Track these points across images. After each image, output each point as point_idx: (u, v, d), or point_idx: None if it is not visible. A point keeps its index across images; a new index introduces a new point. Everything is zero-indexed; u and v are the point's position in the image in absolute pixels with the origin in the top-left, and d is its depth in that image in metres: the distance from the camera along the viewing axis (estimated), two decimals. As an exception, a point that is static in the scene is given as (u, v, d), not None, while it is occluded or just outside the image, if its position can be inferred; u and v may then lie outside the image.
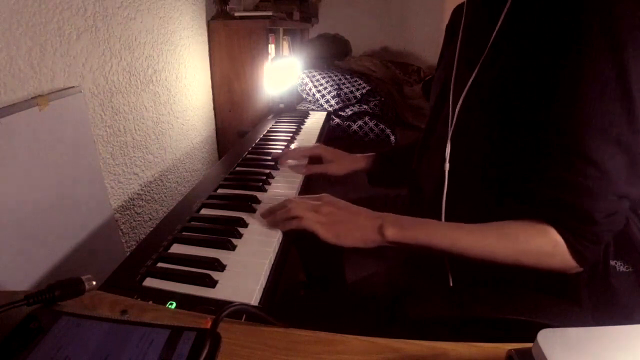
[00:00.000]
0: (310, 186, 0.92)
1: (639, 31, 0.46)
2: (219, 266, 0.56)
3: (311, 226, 0.62)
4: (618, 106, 0.47)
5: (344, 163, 0.93)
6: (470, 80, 0.61)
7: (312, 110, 1.76)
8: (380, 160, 0.93)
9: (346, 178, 0.94)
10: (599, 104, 0.48)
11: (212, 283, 0.53)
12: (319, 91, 1.80)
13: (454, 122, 0.64)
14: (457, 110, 0.63)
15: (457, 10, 0.75)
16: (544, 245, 0.52)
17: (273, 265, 0.59)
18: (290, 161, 0.96)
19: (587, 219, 0.50)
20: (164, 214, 0.86)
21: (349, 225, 0.62)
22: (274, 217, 0.68)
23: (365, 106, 1.77)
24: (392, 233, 0.59)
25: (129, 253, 0.63)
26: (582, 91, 0.48)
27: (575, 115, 0.49)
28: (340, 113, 1.75)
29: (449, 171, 0.64)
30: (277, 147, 1.11)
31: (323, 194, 0.67)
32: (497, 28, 0.58)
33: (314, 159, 0.97)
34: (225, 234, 0.65)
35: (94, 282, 0.42)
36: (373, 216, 0.63)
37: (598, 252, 0.53)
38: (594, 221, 0.49)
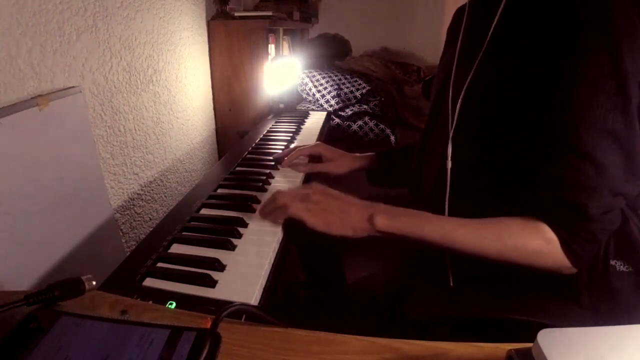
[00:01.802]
0: (310, 186, 0.92)
1: (634, 27, 0.47)
2: (219, 266, 0.56)
3: (298, 214, 0.62)
4: (613, 102, 0.47)
5: (344, 162, 0.93)
6: (469, 79, 0.61)
7: (312, 110, 1.75)
8: (380, 160, 0.93)
9: (346, 177, 0.94)
10: (594, 100, 0.48)
11: (212, 283, 0.53)
12: (319, 91, 1.80)
13: (454, 122, 0.64)
14: (457, 108, 0.63)
15: (459, 12, 0.75)
16: (537, 242, 0.52)
17: (273, 265, 0.59)
18: (295, 160, 0.96)
19: (583, 215, 0.50)
20: (164, 214, 0.86)
21: (338, 214, 0.61)
22: (264, 209, 0.68)
23: (365, 106, 1.77)
24: (383, 222, 0.58)
25: (129, 253, 0.63)
26: (578, 87, 0.48)
27: (571, 111, 0.49)
28: (340, 113, 1.75)
29: (451, 170, 0.64)
30: (277, 147, 1.11)
31: (313, 183, 0.67)
32: (493, 26, 0.58)
33: (314, 158, 0.97)
34: (225, 234, 0.65)
35: (94, 282, 0.42)
36: (364, 205, 0.62)
37: (592, 252, 0.52)
38: (590, 218, 0.49)
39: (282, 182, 0.89)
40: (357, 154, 0.95)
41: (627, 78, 0.47)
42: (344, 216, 0.61)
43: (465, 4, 0.70)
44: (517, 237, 0.53)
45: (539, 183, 0.52)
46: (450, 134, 0.64)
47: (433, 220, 0.58)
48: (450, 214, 0.63)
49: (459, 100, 0.63)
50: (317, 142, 0.99)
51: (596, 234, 0.51)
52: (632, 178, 0.50)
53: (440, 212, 0.64)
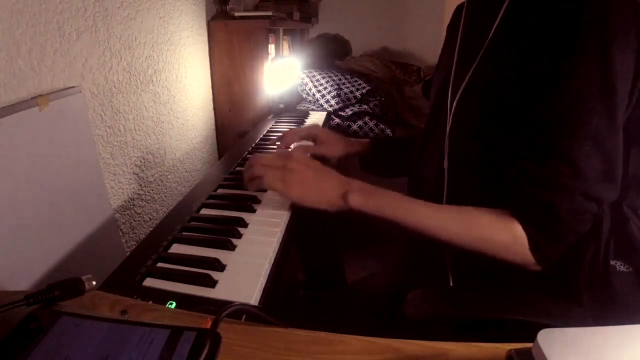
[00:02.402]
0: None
1: (628, 28, 0.47)
2: (219, 266, 0.56)
3: (272, 184, 0.61)
4: (598, 104, 0.47)
5: (338, 145, 0.93)
6: (467, 77, 0.61)
7: (312, 110, 1.76)
8: (375, 147, 0.93)
9: (341, 165, 0.93)
10: (581, 102, 0.48)
11: (212, 283, 0.53)
12: (319, 91, 1.80)
13: (451, 119, 0.64)
14: (454, 106, 0.63)
15: (458, 10, 0.75)
16: (504, 236, 0.52)
17: (273, 265, 0.59)
18: (294, 144, 0.95)
19: (553, 215, 0.50)
20: (164, 214, 0.86)
21: (313, 186, 0.61)
22: (245, 178, 0.68)
23: (365, 106, 1.77)
24: (356, 201, 0.58)
25: (129, 253, 0.63)
26: (567, 88, 0.49)
27: (558, 112, 0.50)
28: (340, 113, 1.75)
29: (448, 168, 0.64)
30: (277, 147, 1.11)
31: (293, 149, 0.67)
32: (494, 26, 0.58)
33: (311, 139, 0.97)
34: (225, 234, 0.65)
35: (94, 282, 0.42)
36: (340, 181, 0.62)
37: (560, 251, 0.52)
38: (560, 218, 0.50)
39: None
40: (352, 139, 0.95)
41: (615, 81, 0.47)
42: (318, 189, 0.61)
43: (464, 2, 0.70)
44: (485, 228, 0.54)
45: (517, 179, 0.53)
46: (447, 132, 0.64)
47: (407, 203, 0.58)
48: None
49: (457, 98, 0.63)
50: (315, 124, 0.98)
51: (564, 235, 0.51)
52: (609, 183, 0.50)
53: None
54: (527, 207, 0.52)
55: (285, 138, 0.95)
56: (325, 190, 0.61)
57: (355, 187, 0.60)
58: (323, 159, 0.92)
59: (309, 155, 0.90)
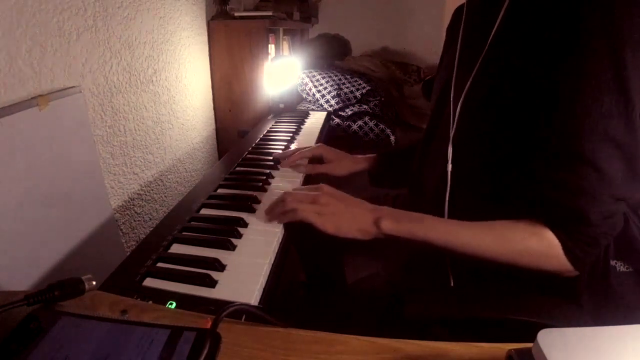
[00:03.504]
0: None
1: (638, 30, 0.46)
2: (219, 266, 0.56)
3: (307, 217, 0.62)
4: (615, 106, 0.47)
5: (345, 163, 0.93)
6: (470, 81, 0.61)
7: (312, 110, 1.76)
8: (382, 161, 0.93)
9: (347, 179, 0.94)
10: (596, 105, 0.48)
11: (212, 283, 0.53)
12: (319, 91, 1.80)
13: (455, 123, 0.64)
14: (457, 110, 0.63)
15: (458, 11, 0.75)
16: (539, 246, 0.52)
17: (273, 265, 0.59)
18: (298, 162, 0.96)
19: (583, 220, 0.50)
20: (164, 214, 0.86)
21: (346, 217, 0.62)
22: (272, 210, 0.69)
23: (365, 106, 1.77)
24: (388, 226, 0.59)
25: (129, 253, 0.63)
26: (580, 91, 0.48)
27: (573, 116, 0.49)
28: (340, 113, 1.75)
29: (452, 172, 0.64)
30: (277, 147, 1.11)
31: (321, 184, 0.68)
32: (495, 28, 0.58)
33: (315, 159, 0.97)
34: (225, 234, 0.65)
35: (94, 282, 0.42)
36: (371, 208, 0.63)
37: (594, 255, 0.52)
38: (590, 222, 0.49)
39: (282, 182, 0.89)
40: (359, 156, 0.95)
41: (629, 83, 0.46)
42: (351, 219, 0.62)
43: (464, 3, 0.70)
44: (520, 240, 0.53)
45: (541, 187, 0.52)
46: (451, 136, 0.64)
47: (437, 223, 0.59)
48: (450, 216, 0.63)
49: (460, 102, 0.62)
50: (319, 144, 0.99)
51: (597, 239, 0.51)
52: (632, 183, 0.50)
53: (441, 214, 0.64)
54: (557, 214, 0.52)
55: (290, 159, 0.95)
56: (357, 220, 0.62)
57: (386, 213, 0.61)
58: (329, 178, 0.92)
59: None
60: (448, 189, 0.64)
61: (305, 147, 0.97)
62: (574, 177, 0.49)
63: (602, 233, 0.51)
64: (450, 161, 0.64)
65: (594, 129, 0.48)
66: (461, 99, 0.62)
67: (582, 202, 0.49)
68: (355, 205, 0.64)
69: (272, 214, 0.69)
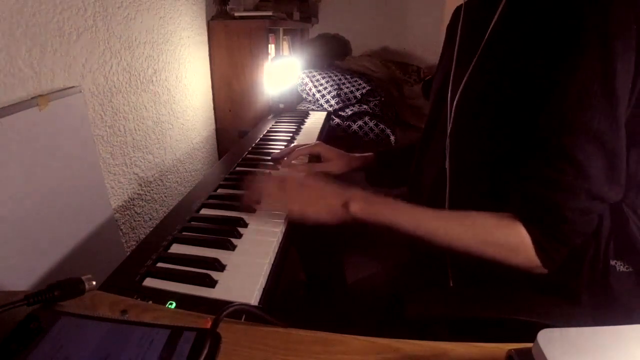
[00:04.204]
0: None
1: (629, 29, 0.47)
2: (219, 266, 0.56)
3: (271, 206, 0.64)
4: (601, 104, 0.47)
5: (342, 162, 0.93)
6: (466, 77, 0.61)
7: (312, 110, 1.75)
8: (379, 160, 0.93)
9: (346, 177, 0.93)
10: (583, 102, 0.48)
11: (212, 283, 0.53)
12: (319, 91, 1.80)
13: (451, 120, 0.64)
14: (454, 107, 0.63)
15: (458, 11, 0.75)
16: (509, 239, 0.52)
17: (273, 265, 0.59)
18: (293, 161, 0.96)
19: (558, 215, 0.50)
20: (164, 214, 0.86)
21: (313, 200, 0.62)
22: (243, 202, 0.70)
23: (365, 106, 1.77)
24: (357, 209, 0.59)
25: (129, 253, 0.63)
26: (568, 88, 0.49)
27: (559, 112, 0.49)
28: (340, 113, 1.75)
29: (450, 170, 0.64)
30: (277, 147, 1.11)
31: (288, 169, 0.68)
32: (491, 25, 0.58)
33: (313, 157, 0.97)
34: (225, 234, 0.65)
35: (94, 282, 0.42)
36: (340, 192, 0.63)
37: (564, 253, 0.52)
38: (565, 218, 0.50)
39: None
40: (356, 154, 0.95)
41: (616, 82, 0.47)
42: (319, 202, 0.62)
43: (464, 2, 0.70)
44: (490, 232, 0.53)
45: (521, 180, 0.53)
46: (448, 133, 0.64)
47: (408, 209, 0.59)
48: None
49: (456, 99, 0.63)
50: (317, 142, 0.99)
51: (570, 236, 0.51)
52: (613, 183, 0.50)
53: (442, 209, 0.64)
54: (532, 207, 0.52)
55: (289, 155, 0.95)
56: (325, 202, 0.61)
57: (357, 195, 0.61)
58: (327, 176, 0.92)
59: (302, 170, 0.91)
60: (448, 185, 0.64)
61: (303, 145, 0.97)
62: (553, 172, 0.50)
63: (575, 231, 0.51)
64: (448, 158, 0.64)
65: (579, 125, 0.48)
66: (457, 96, 0.62)
67: (559, 197, 0.50)
68: (324, 187, 0.64)
69: (245, 206, 0.70)
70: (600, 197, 0.50)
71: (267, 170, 0.89)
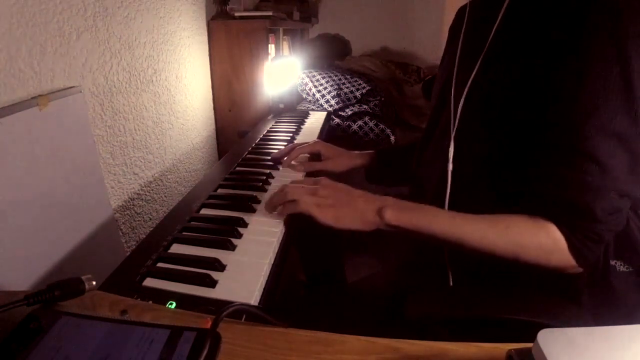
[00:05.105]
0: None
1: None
2: (219, 266, 0.56)
3: (308, 209, 0.62)
4: (620, 103, 0.47)
5: (342, 160, 0.93)
6: (470, 79, 0.61)
7: (312, 110, 1.75)
8: (379, 158, 0.93)
9: (345, 176, 0.93)
10: (601, 100, 0.48)
11: (212, 283, 0.53)
12: (319, 91, 1.80)
13: (457, 122, 0.64)
14: (459, 109, 0.63)
15: (461, 11, 0.75)
16: (543, 241, 0.52)
17: (273, 265, 0.59)
18: (293, 162, 0.96)
19: (589, 215, 0.49)
20: (164, 214, 0.86)
21: (347, 208, 0.61)
22: (272, 202, 0.69)
23: (365, 106, 1.77)
24: (392, 216, 0.58)
25: (129, 253, 0.63)
26: (585, 87, 0.48)
27: (577, 111, 0.49)
28: (340, 113, 1.75)
29: (452, 171, 0.64)
30: (277, 147, 1.11)
31: (321, 177, 0.68)
32: (495, 26, 0.58)
33: (313, 156, 0.97)
34: (225, 234, 0.65)
35: (94, 282, 0.42)
36: (373, 199, 0.62)
37: (598, 252, 0.52)
38: (596, 218, 0.49)
39: (282, 182, 0.89)
40: (356, 152, 0.95)
41: (633, 78, 0.46)
42: (352, 210, 0.61)
43: (467, 3, 0.70)
44: (525, 234, 0.53)
45: (545, 184, 0.52)
46: (452, 135, 0.64)
47: (441, 215, 0.58)
48: None
49: (461, 101, 0.62)
50: (316, 140, 0.99)
51: (602, 235, 0.51)
52: (637, 179, 0.50)
53: None
54: (562, 211, 0.51)
55: (289, 155, 0.95)
56: (359, 210, 0.61)
57: (390, 202, 0.60)
58: (327, 175, 0.92)
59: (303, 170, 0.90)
60: (448, 187, 0.64)
61: (303, 143, 0.97)
62: (578, 174, 0.49)
63: (607, 229, 0.50)
64: (451, 160, 0.64)
65: (598, 125, 0.48)
66: (462, 98, 0.62)
67: (587, 198, 0.49)
68: (358, 196, 0.63)
69: (272, 206, 0.69)
70: (627, 193, 0.50)
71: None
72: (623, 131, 0.48)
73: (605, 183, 0.49)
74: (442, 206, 0.64)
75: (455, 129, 0.64)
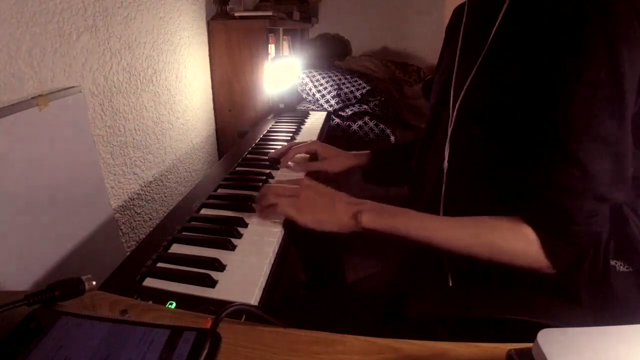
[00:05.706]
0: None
1: (634, 31, 0.46)
2: (219, 266, 0.56)
3: (287, 212, 0.63)
4: (609, 107, 0.47)
5: (340, 160, 0.93)
6: (469, 80, 0.61)
7: (312, 110, 1.75)
8: (376, 158, 0.93)
9: (343, 176, 0.93)
10: (590, 104, 0.48)
11: (212, 283, 0.53)
12: (319, 91, 1.80)
13: (453, 121, 0.64)
14: (456, 109, 0.63)
15: (458, 11, 0.75)
16: (517, 242, 0.52)
17: (273, 265, 0.59)
18: (290, 163, 0.96)
19: (566, 217, 0.50)
20: (164, 214, 0.86)
21: (325, 210, 0.62)
22: (257, 206, 0.70)
23: (365, 106, 1.77)
24: (367, 220, 0.59)
25: (129, 253, 0.63)
26: (575, 91, 0.48)
27: (566, 114, 0.49)
28: (340, 113, 1.75)
29: (447, 170, 0.64)
30: (277, 147, 1.11)
31: (302, 178, 0.68)
32: (494, 28, 0.58)
33: (311, 156, 0.97)
34: (225, 234, 0.65)
35: (94, 282, 0.42)
36: (351, 202, 0.63)
37: (573, 255, 0.52)
38: (573, 220, 0.50)
39: (282, 182, 0.89)
40: (353, 152, 0.95)
41: (624, 83, 0.47)
42: (330, 214, 0.62)
43: (464, 3, 0.70)
44: (498, 236, 0.54)
45: (528, 183, 0.53)
46: (449, 135, 0.64)
47: (418, 218, 0.59)
48: (445, 214, 0.63)
49: (459, 101, 0.63)
50: (313, 140, 0.99)
51: (578, 238, 0.51)
52: (620, 184, 0.50)
53: (437, 213, 0.64)
54: (539, 210, 0.52)
55: (286, 154, 0.95)
56: (336, 213, 0.62)
57: (366, 207, 0.61)
58: (325, 175, 0.92)
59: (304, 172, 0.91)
60: (444, 186, 0.64)
61: (300, 143, 0.97)
62: (560, 175, 0.50)
63: (583, 232, 0.51)
64: (446, 159, 0.64)
65: (586, 128, 0.48)
66: (460, 98, 0.62)
67: (567, 200, 0.50)
68: (336, 198, 0.64)
69: (258, 210, 0.70)
70: (606, 198, 0.50)
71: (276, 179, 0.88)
72: (610, 136, 0.48)
73: (586, 187, 0.49)
74: (438, 205, 0.64)
75: (451, 128, 0.64)
